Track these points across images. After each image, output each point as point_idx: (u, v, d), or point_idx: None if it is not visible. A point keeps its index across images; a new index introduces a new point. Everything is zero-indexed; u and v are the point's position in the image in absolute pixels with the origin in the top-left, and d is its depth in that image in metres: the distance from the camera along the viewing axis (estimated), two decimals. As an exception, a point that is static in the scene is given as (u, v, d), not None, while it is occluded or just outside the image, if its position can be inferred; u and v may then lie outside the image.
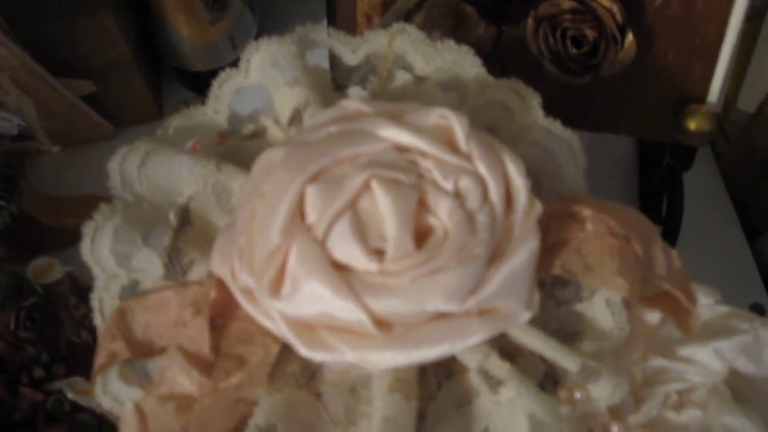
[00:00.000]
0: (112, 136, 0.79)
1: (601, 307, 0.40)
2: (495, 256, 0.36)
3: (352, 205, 0.36)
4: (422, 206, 0.36)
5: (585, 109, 0.60)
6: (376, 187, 0.36)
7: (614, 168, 0.76)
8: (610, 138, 0.73)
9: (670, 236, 0.68)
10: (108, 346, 0.39)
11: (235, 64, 0.46)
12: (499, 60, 0.58)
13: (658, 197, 0.70)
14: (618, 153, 0.77)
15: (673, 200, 0.68)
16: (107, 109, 0.76)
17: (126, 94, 0.76)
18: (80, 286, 0.61)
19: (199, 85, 0.81)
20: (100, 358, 0.39)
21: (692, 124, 0.56)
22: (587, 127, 0.60)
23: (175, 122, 0.45)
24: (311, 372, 0.39)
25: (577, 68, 0.55)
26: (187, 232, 0.42)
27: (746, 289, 0.72)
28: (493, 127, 0.44)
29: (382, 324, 0.35)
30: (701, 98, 0.57)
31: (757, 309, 0.70)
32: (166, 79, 0.84)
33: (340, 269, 0.35)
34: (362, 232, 0.35)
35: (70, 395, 0.52)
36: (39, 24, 0.65)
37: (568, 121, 0.59)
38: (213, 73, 0.74)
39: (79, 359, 0.55)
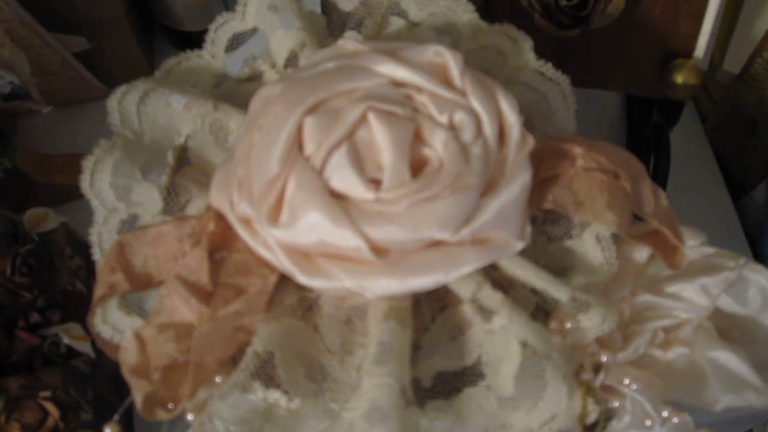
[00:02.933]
0: (103, 96, 0.78)
1: (591, 243, 0.41)
2: (489, 187, 0.37)
3: (350, 136, 0.37)
4: (418, 138, 0.37)
5: (573, 66, 0.60)
6: (373, 119, 0.37)
7: (602, 127, 0.77)
8: (598, 97, 0.75)
9: (657, 193, 0.69)
10: (107, 278, 0.40)
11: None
12: (490, 15, 0.59)
13: (645, 156, 0.71)
14: (606, 112, 0.78)
15: (659, 158, 0.69)
16: (99, 69, 0.76)
17: (117, 54, 0.76)
18: (75, 239, 0.61)
19: (191, 45, 0.80)
20: (99, 290, 0.40)
21: (679, 78, 0.57)
22: (575, 83, 0.61)
23: (173, 65, 0.46)
24: (308, 305, 0.40)
25: (567, 21, 0.55)
26: (185, 170, 0.42)
27: (730, 249, 0.73)
28: (486, 71, 0.45)
29: (379, 251, 0.36)
30: (688, 53, 0.58)
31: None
32: (158, 40, 0.83)
33: (338, 198, 0.36)
34: (359, 162, 0.36)
35: (66, 340, 0.53)
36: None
37: (558, 75, 0.60)
38: (205, 34, 0.74)
39: (74, 307, 0.56)
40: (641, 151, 0.73)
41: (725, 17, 0.73)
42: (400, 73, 0.38)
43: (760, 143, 0.70)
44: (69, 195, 0.72)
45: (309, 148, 0.37)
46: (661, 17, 0.57)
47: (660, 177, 0.68)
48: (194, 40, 0.78)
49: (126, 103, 0.43)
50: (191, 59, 0.47)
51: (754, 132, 0.70)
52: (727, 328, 0.46)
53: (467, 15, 0.46)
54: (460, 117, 0.38)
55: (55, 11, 0.67)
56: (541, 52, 0.54)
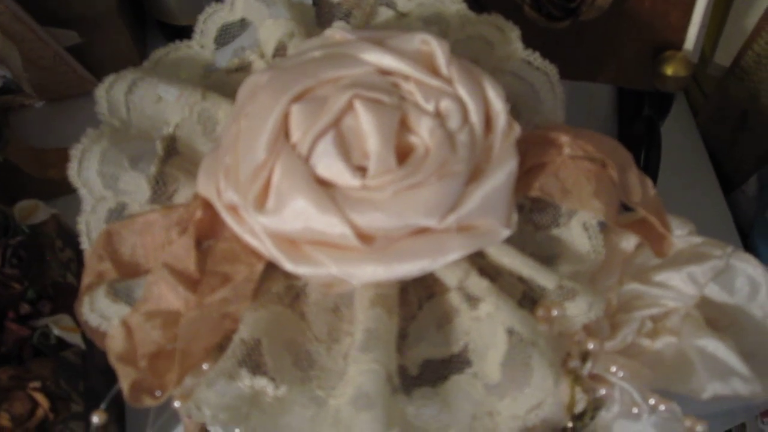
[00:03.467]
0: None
1: (578, 231, 0.41)
2: (475, 175, 0.38)
3: (336, 123, 0.37)
4: (404, 126, 0.37)
5: (563, 58, 0.61)
6: (359, 107, 0.37)
7: (592, 120, 0.77)
8: (589, 90, 0.75)
9: (648, 185, 0.69)
10: (95, 266, 0.40)
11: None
12: (480, 5, 0.59)
13: (636, 149, 0.72)
14: (596, 105, 0.78)
15: (650, 151, 0.69)
16: (91, 64, 0.76)
17: (110, 48, 0.76)
18: (66, 231, 0.61)
19: (184, 39, 0.81)
20: (87, 278, 0.40)
21: (669, 70, 0.57)
22: (566, 76, 0.61)
23: (162, 55, 0.46)
24: (295, 292, 0.40)
25: (557, 12, 0.56)
26: (173, 160, 0.43)
27: (721, 241, 0.73)
28: (474, 60, 0.45)
29: (365, 237, 0.36)
30: (678, 45, 0.58)
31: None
32: (150, 34, 0.84)
33: (324, 185, 0.36)
34: (345, 149, 0.36)
35: (56, 331, 0.53)
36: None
37: (548, 68, 0.60)
38: (197, 28, 0.73)
39: (65, 299, 0.56)
40: (632, 143, 0.73)
41: (716, 10, 0.73)
42: (387, 61, 0.38)
43: (751, 136, 0.70)
44: (61, 189, 0.72)
45: (295, 135, 0.37)
46: (650, 9, 0.57)
47: (651, 169, 0.68)
48: (187, 35, 0.78)
49: (114, 93, 0.43)
50: (180, 49, 0.47)
51: (745, 125, 0.70)
52: (716, 317, 0.46)
53: (455, 5, 0.47)
54: (446, 105, 0.38)
55: (47, 5, 0.67)
56: (530, 44, 0.54)
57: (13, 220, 0.56)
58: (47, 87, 0.76)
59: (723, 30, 0.73)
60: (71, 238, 0.62)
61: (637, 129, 0.69)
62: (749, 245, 0.73)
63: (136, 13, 0.80)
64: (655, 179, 0.69)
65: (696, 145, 0.78)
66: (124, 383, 0.37)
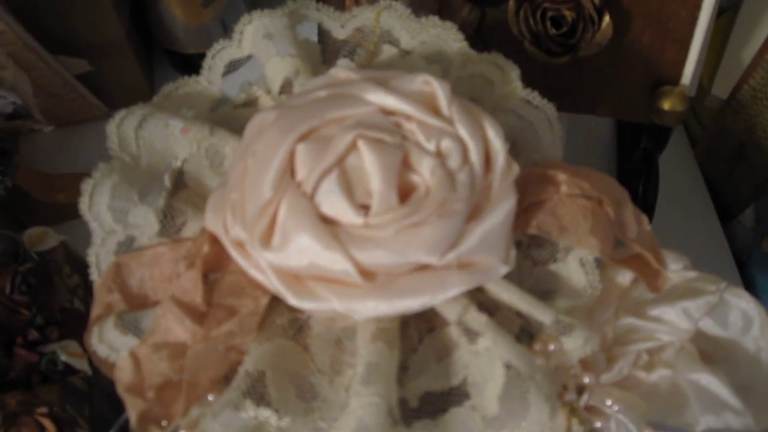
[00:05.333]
0: (104, 117, 0.80)
1: (575, 267, 0.42)
2: (474, 213, 0.39)
3: (340, 162, 0.38)
4: (406, 165, 0.39)
5: (564, 91, 0.62)
6: (363, 146, 0.38)
7: (593, 151, 0.79)
8: (589, 123, 0.76)
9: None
10: (104, 298, 0.41)
11: (227, 48, 0.48)
12: (482, 42, 0.60)
13: (635, 180, 0.73)
14: (597, 136, 0.80)
15: (648, 183, 0.70)
16: (100, 90, 0.78)
17: (118, 75, 0.78)
18: (73, 257, 0.62)
19: (190, 67, 0.82)
20: (96, 310, 0.41)
21: (666, 104, 0.59)
22: (566, 108, 0.63)
23: (171, 90, 0.47)
24: (299, 326, 0.41)
25: (556, 48, 0.57)
26: (181, 193, 0.44)
27: (719, 271, 0.74)
28: (474, 98, 0.46)
29: (367, 274, 0.37)
30: (675, 80, 0.60)
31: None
32: (158, 62, 0.85)
33: (328, 223, 0.37)
34: (349, 187, 0.37)
35: (63, 357, 0.54)
36: (36, 1, 0.67)
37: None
38: (204, 56, 0.76)
39: (72, 325, 0.57)
40: (631, 174, 0.74)
41: (714, 44, 0.75)
42: (390, 101, 0.40)
43: (748, 168, 0.71)
44: (69, 213, 0.73)
45: (301, 173, 0.38)
46: (648, 45, 0.59)
47: (649, 201, 0.70)
48: (194, 63, 0.80)
49: (124, 128, 0.44)
50: (189, 84, 0.48)
51: (742, 157, 0.72)
52: (710, 351, 0.47)
53: (457, 43, 0.48)
54: (446, 144, 0.39)
55: (57, 34, 0.69)
56: (532, 78, 0.56)
57: (23, 246, 0.57)
58: (56, 113, 0.77)
59: (720, 63, 0.75)
60: (79, 265, 0.63)
61: (635, 161, 0.70)
62: (746, 275, 0.74)
63: (144, 41, 0.82)
64: (653, 210, 0.70)
65: (694, 175, 0.80)
66: (132, 413, 0.38)
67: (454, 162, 0.39)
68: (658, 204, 0.74)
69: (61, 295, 0.57)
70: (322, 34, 0.50)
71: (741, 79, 0.69)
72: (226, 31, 0.78)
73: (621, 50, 0.58)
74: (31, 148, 0.81)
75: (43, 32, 0.67)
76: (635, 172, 0.74)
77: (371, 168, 0.37)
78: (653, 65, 0.59)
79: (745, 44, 0.75)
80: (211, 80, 0.48)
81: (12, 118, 0.74)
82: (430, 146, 0.39)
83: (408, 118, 0.40)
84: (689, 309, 0.45)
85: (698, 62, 0.59)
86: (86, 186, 0.42)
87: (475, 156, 0.39)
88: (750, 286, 0.73)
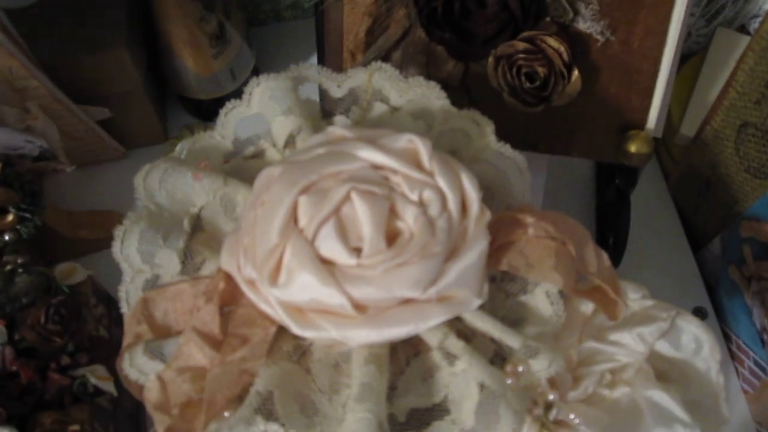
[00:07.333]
0: (122, 157, 0.87)
1: (542, 299, 0.48)
2: (452, 253, 0.45)
3: (336, 212, 0.44)
4: (392, 213, 0.45)
5: (541, 135, 0.68)
6: (355, 198, 0.44)
7: (575, 185, 0.85)
8: (573, 161, 0.82)
9: (619, 246, 0.77)
10: (134, 329, 0.48)
11: (234, 93, 0.54)
12: (466, 91, 0.67)
13: (611, 211, 0.79)
14: (578, 173, 0.86)
15: (620, 216, 0.77)
16: (118, 133, 0.84)
17: (136, 120, 0.84)
18: (98, 289, 0.69)
19: (202, 111, 0.89)
20: (127, 339, 0.48)
21: (632, 147, 0.65)
22: (543, 150, 0.69)
23: (188, 145, 0.54)
24: (302, 351, 0.47)
25: (531, 99, 0.63)
26: (199, 236, 0.50)
27: (690, 295, 0.80)
28: (454, 150, 0.53)
29: (359, 307, 0.43)
30: (641, 125, 0.66)
31: (700, 312, 0.79)
32: (171, 106, 0.92)
33: (326, 263, 0.43)
34: (344, 233, 0.44)
35: (93, 380, 0.60)
36: (64, 58, 0.73)
37: (527, 144, 0.68)
38: (214, 101, 0.83)
39: (99, 351, 0.63)
40: (608, 207, 0.80)
41: (683, 86, 0.81)
42: (378, 158, 0.46)
43: (714, 201, 0.77)
44: (89, 248, 0.80)
45: (303, 221, 0.44)
46: (615, 94, 0.65)
47: (621, 232, 0.76)
48: (204, 107, 0.87)
49: (149, 180, 0.51)
50: (204, 139, 0.54)
51: (708, 191, 0.77)
52: (666, 370, 0.53)
53: (440, 101, 0.54)
54: (428, 195, 0.45)
55: (81, 86, 0.75)
56: (512, 123, 0.63)
57: (55, 281, 0.63)
58: (78, 154, 0.83)
59: (689, 104, 0.81)
60: (103, 296, 0.69)
61: (609, 196, 0.77)
62: (715, 298, 0.80)
63: (158, 88, 0.89)
64: (625, 241, 0.76)
65: (667, 206, 0.85)
66: (160, 428, 0.45)
67: (434, 210, 0.45)
68: (635, 232, 0.80)
69: (89, 324, 0.63)
70: (322, 92, 0.56)
71: (704, 121, 0.74)
72: (235, 78, 0.84)
73: (590, 99, 0.65)
74: (54, 187, 0.87)
75: (71, 84, 0.73)
76: (612, 205, 0.80)
77: (363, 216, 0.43)
78: (620, 112, 0.66)
79: (711, 86, 0.82)
80: (224, 135, 0.54)
81: (38, 160, 0.81)
82: (414, 196, 0.45)
83: (394, 172, 0.46)
84: (644, 334, 0.51)
85: (662, 108, 0.66)
86: (118, 232, 0.48)
87: (452, 204, 0.45)
88: (719, 309, 0.79)
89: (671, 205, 0.85)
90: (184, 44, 0.78)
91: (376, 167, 0.46)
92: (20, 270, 0.62)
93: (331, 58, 0.69)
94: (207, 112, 0.89)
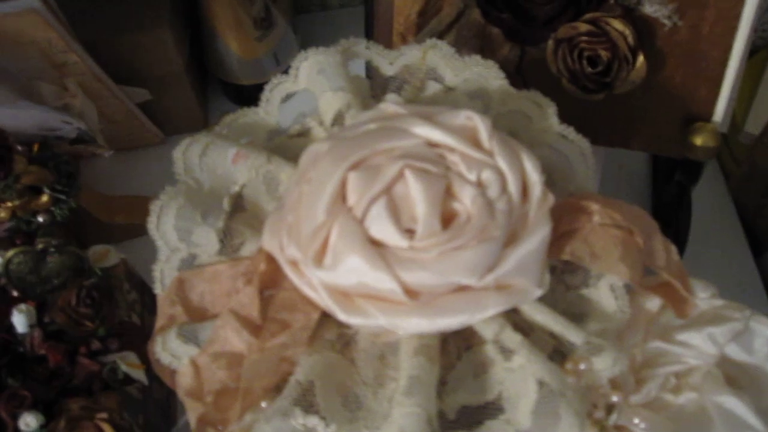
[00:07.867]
0: (160, 143, 0.85)
1: (606, 292, 0.45)
2: (511, 239, 0.42)
3: (388, 190, 0.41)
4: (449, 194, 0.42)
5: (600, 126, 0.65)
6: (409, 176, 0.41)
7: (629, 183, 0.81)
8: (625, 155, 0.79)
9: (678, 246, 0.73)
10: (167, 310, 0.45)
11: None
12: (522, 78, 0.64)
13: (668, 211, 0.75)
14: (633, 169, 0.82)
15: (681, 214, 0.73)
16: (157, 117, 0.82)
17: (176, 104, 0.82)
18: (132, 275, 0.66)
19: (243, 98, 0.87)
20: (160, 321, 0.45)
21: (698, 140, 0.61)
22: (602, 142, 0.65)
23: (231, 120, 0.51)
24: (346, 340, 0.44)
25: (592, 86, 0.60)
26: (239, 216, 0.47)
27: (749, 301, 0.76)
28: (513, 133, 0.50)
29: (411, 293, 0.40)
30: (707, 117, 0.62)
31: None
32: (212, 92, 0.90)
33: (376, 245, 0.40)
34: (396, 213, 0.41)
35: (123, 367, 0.58)
36: (105, 36, 0.71)
37: (584, 136, 0.64)
38: (256, 87, 0.80)
39: (130, 337, 0.61)
40: (665, 206, 0.76)
41: (747, 82, 0.77)
42: (435, 134, 0.43)
43: (779, 203, 0.73)
44: (124, 234, 0.77)
45: (352, 199, 0.41)
46: (681, 83, 0.61)
47: (681, 231, 0.72)
48: (246, 93, 0.85)
49: (189, 154, 0.48)
50: (248, 115, 0.52)
51: (773, 192, 0.74)
52: (736, 376, 0.49)
53: (498, 81, 0.51)
54: (487, 175, 0.42)
55: (121, 66, 0.74)
56: (568, 113, 0.59)
57: (88, 262, 0.61)
58: (117, 138, 0.82)
59: (754, 100, 0.77)
60: (136, 282, 0.67)
61: (669, 193, 0.73)
62: (777, 307, 0.76)
63: (200, 72, 0.87)
64: (685, 241, 0.72)
65: (727, 208, 0.81)
66: (192, 416, 0.42)
67: (493, 191, 0.42)
68: (692, 235, 0.76)
69: (120, 309, 0.61)
70: (372, 70, 0.53)
71: (772, 117, 0.71)
72: (279, 64, 0.82)
73: (655, 88, 0.61)
74: (92, 171, 0.85)
75: (111, 64, 0.71)
76: (669, 204, 0.76)
77: (417, 196, 0.41)
78: (686, 102, 0.62)
79: (778, 83, 0.78)
80: (268, 111, 0.52)
81: (76, 143, 0.79)
82: (472, 177, 0.42)
83: (451, 150, 0.43)
84: (715, 335, 0.47)
85: (730, 100, 0.62)
86: (154, 207, 0.46)
87: (513, 186, 0.42)
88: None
89: (731, 206, 0.81)
90: (228, 26, 0.76)
91: (432, 144, 0.43)
92: (52, 249, 0.59)
93: (380, 41, 0.66)
94: (248, 98, 0.85)
